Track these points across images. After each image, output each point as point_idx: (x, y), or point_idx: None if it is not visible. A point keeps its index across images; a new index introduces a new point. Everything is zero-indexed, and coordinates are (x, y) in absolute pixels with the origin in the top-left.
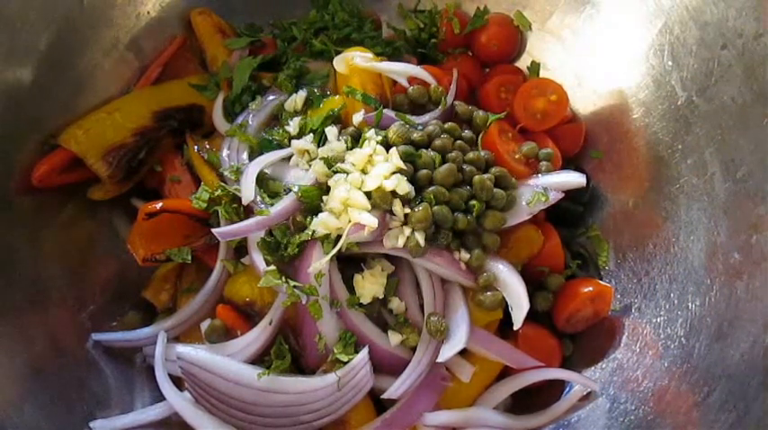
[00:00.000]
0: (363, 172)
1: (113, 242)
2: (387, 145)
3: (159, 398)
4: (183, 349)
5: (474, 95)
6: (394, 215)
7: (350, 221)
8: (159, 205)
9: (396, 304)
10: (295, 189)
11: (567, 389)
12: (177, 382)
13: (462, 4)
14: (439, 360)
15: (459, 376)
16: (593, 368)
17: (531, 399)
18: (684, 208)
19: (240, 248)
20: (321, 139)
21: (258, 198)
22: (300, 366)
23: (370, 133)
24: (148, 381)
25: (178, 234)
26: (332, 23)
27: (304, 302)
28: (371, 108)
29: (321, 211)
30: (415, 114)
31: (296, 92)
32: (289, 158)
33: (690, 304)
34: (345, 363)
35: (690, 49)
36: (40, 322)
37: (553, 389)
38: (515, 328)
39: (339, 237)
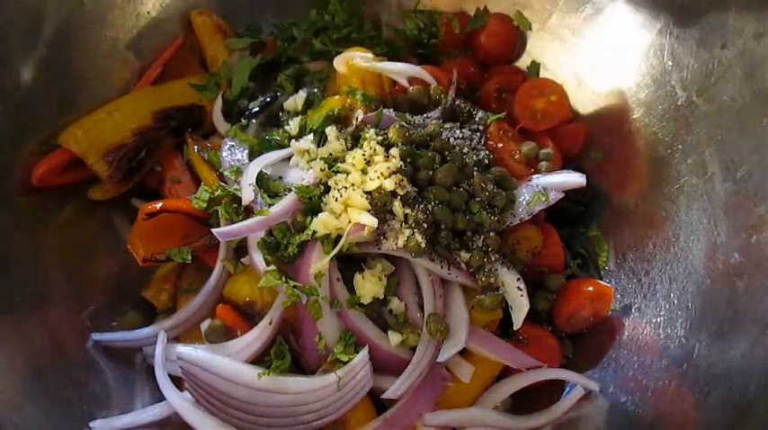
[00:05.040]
0: (363, 172)
1: (113, 242)
2: (387, 145)
3: (159, 398)
4: (183, 349)
5: (474, 95)
6: (394, 215)
7: (350, 221)
8: (159, 205)
9: (396, 304)
10: (295, 189)
11: (567, 389)
12: (177, 382)
13: (462, 5)
14: (439, 360)
15: (459, 376)
16: (593, 368)
17: (531, 399)
18: (684, 208)
19: (240, 248)
20: (321, 139)
21: (258, 198)
22: (300, 366)
23: (371, 133)
24: (148, 381)
25: (178, 234)
26: (332, 23)
27: (304, 302)
28: (371, 108)
29: (321, 211)
30: (415, 114)
31: (296, 92)
32: (289, 158)
33: (690, 304)
34: (345, 363)
35: (690, 49)
36: (40, 322)
37: (553, 389)
38: (515, 328)
39: (339, 237)
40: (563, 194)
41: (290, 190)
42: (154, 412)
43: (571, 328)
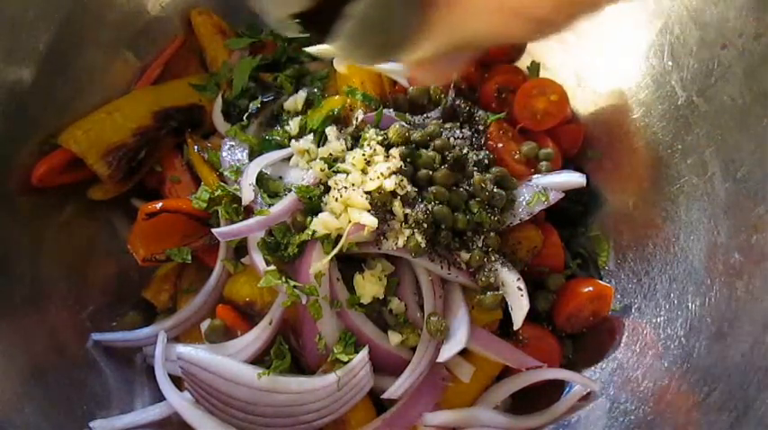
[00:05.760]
0: (363, 172)
1: (113, 242)
2: (387, 145)
3: (159, 398)
4: (183, 349)
5: (474, 95)
6: (394, 215)
7: (350, 221)
8: (159, 205)
9: (396, 304)
10: (295, 189)
11: (567, 389)
12: (177, 382)
13: None
14: (439, 360)
15: (459, 376)
16: (593, 368)
17: (531, 399)
18: (684, 208)
19: (240, 248)
20: (321, 139)
21: (258, 198)
22: (300, 366)
23: (371, 133)
24: (148, 381)
25: (178, 234)
26: None
27: (304, 302)
28: (371, 108)
29: (321, 211)
30: (415, 114)
31: (296, 92)
32: (289, 158)
33: (690, 304)
34: (345, 363)
35: (690, 49)
36: (40, 322)
37: (553, 389)
38: (515, 328)
39: (339, 237)
40: (563, 194)
41: (290, 190)
42: (154, 412)
43: (571, 328)
